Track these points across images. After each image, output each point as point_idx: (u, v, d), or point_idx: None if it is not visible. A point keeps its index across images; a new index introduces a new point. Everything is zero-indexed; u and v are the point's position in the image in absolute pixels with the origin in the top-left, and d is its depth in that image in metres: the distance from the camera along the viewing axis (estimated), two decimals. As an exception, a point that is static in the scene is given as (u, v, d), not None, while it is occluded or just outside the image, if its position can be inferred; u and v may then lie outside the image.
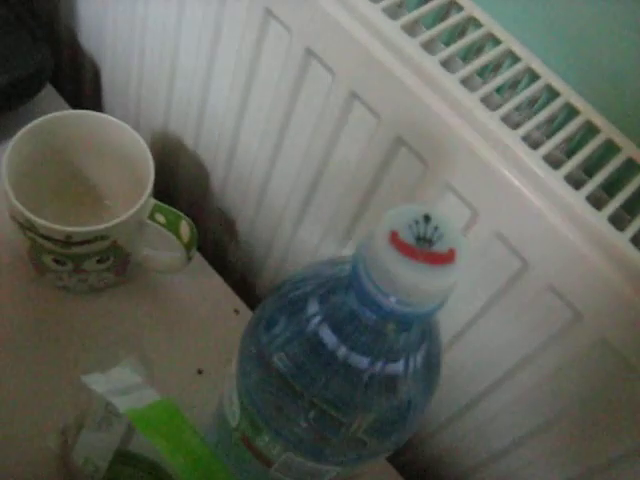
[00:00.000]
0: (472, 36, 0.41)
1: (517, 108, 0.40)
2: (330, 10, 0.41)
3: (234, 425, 0.37)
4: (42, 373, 0.51)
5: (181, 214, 0.51)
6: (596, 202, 0.37)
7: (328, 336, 0.31)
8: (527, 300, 0.40)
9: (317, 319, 0.31)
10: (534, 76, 0.41)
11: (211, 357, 0.55)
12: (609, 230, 0.36)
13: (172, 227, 0.51)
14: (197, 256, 0.58)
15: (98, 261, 0.51)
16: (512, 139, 0.38)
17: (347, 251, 0.51)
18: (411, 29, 0.41)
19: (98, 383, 0.40)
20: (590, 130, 0.40)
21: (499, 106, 0.39)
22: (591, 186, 0.37)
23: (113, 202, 0.57)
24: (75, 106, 0.63)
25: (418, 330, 0.30)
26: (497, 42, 0.42)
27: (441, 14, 0.43)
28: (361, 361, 0.30)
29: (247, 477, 0.39)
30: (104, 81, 0.64)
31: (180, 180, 0.62)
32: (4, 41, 0.58)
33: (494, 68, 0.42)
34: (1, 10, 0.60)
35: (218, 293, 0.58)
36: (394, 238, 0.26)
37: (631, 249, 0.36)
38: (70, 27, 0.64)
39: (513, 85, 0.42)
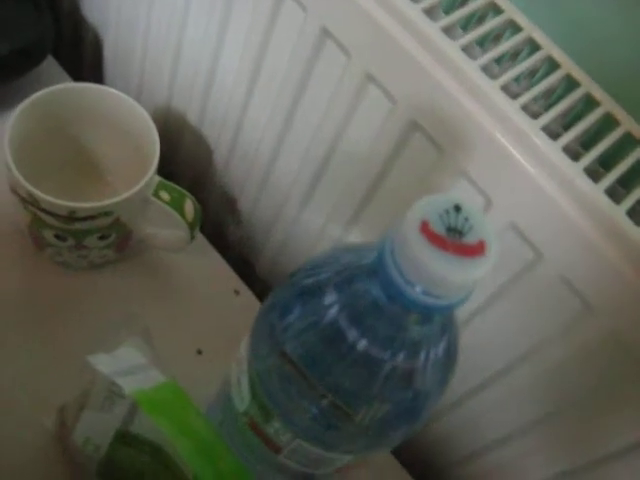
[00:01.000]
0: (492, 23, 0.41)
1: (535, 98, 0.39)
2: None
3: (242, 409, 0.36)
4: (39, 350, 0.50)
5: (186, 192, 0.51)
6: (613, 193, 0.37)
7: (346, 325, 0.30)
8: (538, 291, 0.40)
9: (336, 307, 0.30)
10: (554, 65, 0.40)
11: (211, 338, 0.54)
12: (626, 223, 0.36)
13: (176, 205, 0.50)
14: (198, 235, 0.57)
15: (100, 238, 0.50)
16: (531, 127, 0.37)
17: (353, 237, 0.50)
18: (431, 12, 0.40)
19: (103, 363, 0.39)
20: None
21: (519, 95, 0.38)
22: (609, 179, 0.37)
23: (115, 178, 0.56)
24: (75, 78, 0.62)
25: (439, 322, 0.30)
26: (517, 29, 0.41)
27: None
28: (379, 352, 0.30)
29: (252, 460, 0.38)
30: (106, 53, 0.63)
31: (182, 156, 0.61)
32: (5, 10, 0.57)
33: (512, 56, 0.41)
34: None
35: (218, 273, 0.58)
36: (425, 228, 0.26)
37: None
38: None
39: (532, 73, 0.41)
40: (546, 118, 0.38)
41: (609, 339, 0.39)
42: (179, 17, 0.52)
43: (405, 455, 0.56)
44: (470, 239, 0.26)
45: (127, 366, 0.40)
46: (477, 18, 0.42)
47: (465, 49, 0.39)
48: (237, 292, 0.57)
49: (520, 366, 0.44)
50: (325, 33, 0.43)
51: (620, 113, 0.39)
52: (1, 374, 0.49)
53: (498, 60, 0.40)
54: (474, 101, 0.38)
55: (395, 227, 0.27)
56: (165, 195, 0.50)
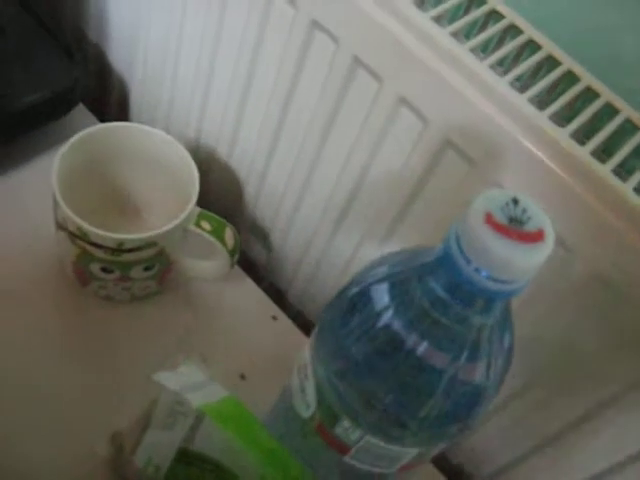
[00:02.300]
0: (513, 43, 0.44)
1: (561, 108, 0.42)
2: (379, 18, 0.43)
3: (308, 415, 0.38)
4: (91, 381, 0.52)
5: (225, 221, 0.53)
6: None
7: (410, 321, 0.32)
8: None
9: (399, 305, 0.33)
10: (574, 77, 0.43)
11: (253, 362, 0.56)
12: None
13: (217, 234, 0.52)
14: (232, 265, 0.59)
15: (145, 269, 0.52)
16: (558, 134, 0.40)
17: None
18: (457, 36, 0.43)
19: (168, 380, 0.41)
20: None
21: (546, 105, 0.41)
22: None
23: (150, 215, 0.58)
24: (101, 121, 0.65)
25: (499, 313, 0.32)
26: (537, 47, 0.44)
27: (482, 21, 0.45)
28: (444, 346, 0.32)
29: (316, 466, 0.40)
30: (132, 98, 0.66)
31: (212, 189, 0.63)
32: (40, 57, 0.60)
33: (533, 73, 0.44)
34: (35, 26, 0.61)
35: (255, 300, 0.60)
36: (489, 219, 0.28)
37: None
38: (98, 43, 0.66)
39: (553, 86, 0.44)
40: (573, 126, 0.40)
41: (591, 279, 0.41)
42: (206, 62, 0.55)
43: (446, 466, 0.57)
44: (530, 228, 0.29)
45: (190, 382, 0.42)
46: (497, 39, 0.45)
47: (492, 67, 0.42)
48: (274, 318, 0.59)
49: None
50: (356, 62, 0.46)
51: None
52: (55, 406, 0.50)
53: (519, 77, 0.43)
54: (504, 114, 0.41)
55: (459, 222, 0.29)
56: (206, 225, 0.52)
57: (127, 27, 0.62)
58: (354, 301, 0.35)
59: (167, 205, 0.55)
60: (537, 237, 0.29)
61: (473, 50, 0.42)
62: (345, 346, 0.35)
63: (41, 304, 0.55)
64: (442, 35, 0.42)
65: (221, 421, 0.40)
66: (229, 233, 0.53)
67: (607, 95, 0.43)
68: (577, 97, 0.43)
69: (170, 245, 0.52)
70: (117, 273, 0.52)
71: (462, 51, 0.42)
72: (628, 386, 0.44)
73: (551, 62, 0.44)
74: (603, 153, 0.41)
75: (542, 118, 0.40)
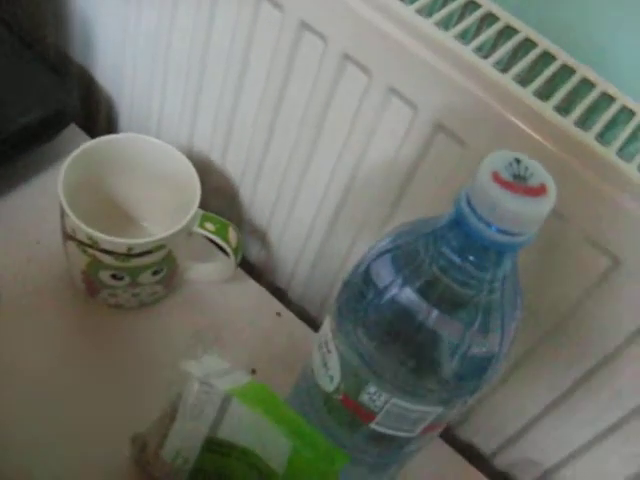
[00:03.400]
0: (492, 29, 0.47)
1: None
2: (364, 13, 0.46)
3: (332, 389, 0.40)
4: (107, 388, 0.53)
5: (227, 221, 0.55)
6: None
7: (431, 280, 0.35)
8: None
9: (414, 273, 0.35)
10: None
11: (262, 357, 0.58)
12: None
13: (221, 234, 0.54)
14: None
15: (153, 273, 0.54)
16: (542, 108, 0.43)
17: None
18: (444, 24, 0.46)
19: (195, 368, 0.43)
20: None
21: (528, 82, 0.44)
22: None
23: (150, 223, 0.60)
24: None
25: (508, 266, 0.34)
26: (513, 32, 0.47)
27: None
28: (462, 298, 0.34)
29: (341, 438, 0.42)
30: (121, 113, 0.68)
31: (207, 192, 0.65)
32: (30, 78, 0.62)
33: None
34: (20, 47, 0.63)
35: (258, 299, 0.62)
36: (496, 177, 0.31)
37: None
38: (82, 62, 0.68)
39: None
40: (554, 100, 0.43)
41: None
42: (197, 72, 0.58)
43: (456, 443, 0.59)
44: (533, 183, 0.31)
45: (215, 370, 0.44)
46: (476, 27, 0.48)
47: (474, 51, 0.44)
48: (279, 314, 0.61)
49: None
50: (346, 57, 0.48)
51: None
52: (79, 413, 0.52)
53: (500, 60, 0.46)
54: (490, 95, 0.44)
55: (468, 185, 0.32)
56: (210, 226, 0.54)
57: (114, 46, 0.64)
58: (368, 274, 0.37)
59: (167, 212, 0.57)
60: (540, 191, 0.31)
61: (456, 37, 0.45)
62: (366, 316, 0.37)
63: (51, 316, 0.56)
64: (426, 25, 0.45)
65: (249, 402, 0.41)
66: (232, 233, 0.55)
67: (583, 70, 0.46)
68: (555, 74, 0.46)
69: (176, 248, 0.53)
70: (127, 279, 0.53)
71: (446, 38, 0.44)
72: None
73: (528, 44, 0.47)
74: (584, 124, 0.44)
75: (526, 94, 0.43)
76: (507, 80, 0.44)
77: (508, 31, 0.47)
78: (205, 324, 0.58)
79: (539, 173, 0.32)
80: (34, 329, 0.55)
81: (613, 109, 0.45)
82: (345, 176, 0.54)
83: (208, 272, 0.58)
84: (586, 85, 0.46)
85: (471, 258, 0.33)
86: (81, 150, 0.54)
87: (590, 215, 0.43)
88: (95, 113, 0.70)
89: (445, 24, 0.47)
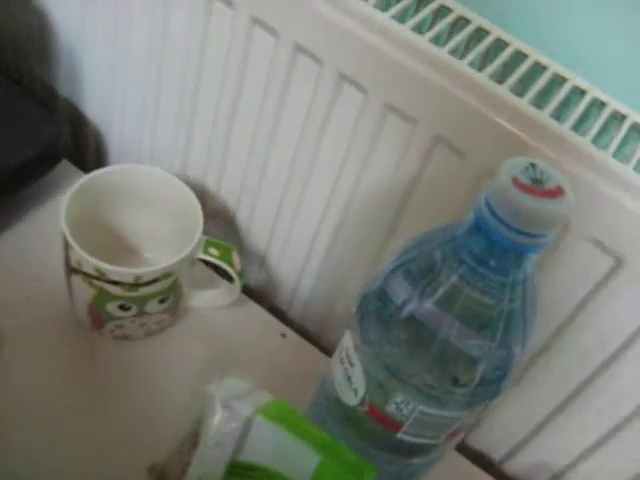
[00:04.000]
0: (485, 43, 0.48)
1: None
2: (355, 30, 0.47)
3: (356, 402, 0.41)
4: (120, 421, 0.53)
5: (230, 245, 0.55)
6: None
7: (456, 285, 0.35)
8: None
9: (441, 277, 0.36)
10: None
11: (271, 378, 0.57)
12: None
13: (225, 258, 0.55)
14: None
15: (160, 301, 0.54)
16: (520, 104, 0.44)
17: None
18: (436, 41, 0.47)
19: (216, 391, 0.43)
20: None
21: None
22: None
23: (151, 254, 0.60)
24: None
25: (528, 268, 0.35)
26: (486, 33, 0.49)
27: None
28: (488, 301, 0.35)
29: (366, 451, 0.42)
30: (112, 146, 0.68)
31: (204, 222, 0.65)
32: (20, 115, 0.62)
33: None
34: (8, 83, 0.63)
35: (262, 321, 0.62)
36: (516, 182, 0.32)
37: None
38: (69, 97, 0.68)
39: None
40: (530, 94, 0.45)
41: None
42: (189, 101, 0.58)
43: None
44: (550, 186, 0.33)
45: (236, 392, 0.44)
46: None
47: (471, 65, 0.46)
48: (284, 335, 0.61)
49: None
50: (342, 77, 0.49)
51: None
52: (92, 446, 0.51)
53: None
54: (487, 105, 0.45)
55: (486, 191, 0.33)
56: (214, 251, 0.54)
57: (102, 78, 0.64)
58: (385, 290, 0.38)
59: (169, 241, 0.57)
60: (558, 193, 0.32)
61: (452, 52, 0.46)
62: (388, 329, 0.38)
63: (56, 353, 0.56)
64: (423, 42, 0.46)
65: (274, 420, 0.42)
66: (236, 257, 0.55)
67: (535, 55, 0.48)
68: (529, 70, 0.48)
69: (182, 275, 0.54)
70: (134, 309, 0.53)
71: (442, 54, 0.46)
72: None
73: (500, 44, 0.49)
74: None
75: (503, 91, 0.45)
76: (504, 90, 0.45)
77: (499, 43, 0.49)
78: (213, 349, 0.58)
79: (554, 176, 0.33)
80: (40, 367, 0.55)
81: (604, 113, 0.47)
82: (344, 195, 0.55)
83: (213, 298, 0.59)
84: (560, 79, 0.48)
85: (492, 263, 0.34)
86: (81, 183, 0.54)
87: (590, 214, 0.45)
88: (84, 147, 0.70)
89: (437, 40, 0.48)
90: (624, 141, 0.45)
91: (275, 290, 0.66)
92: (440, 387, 0.37)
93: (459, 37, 0.48)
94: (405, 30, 0.46)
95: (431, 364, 0.37)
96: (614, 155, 0.44)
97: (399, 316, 0.37)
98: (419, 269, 0.38)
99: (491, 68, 0.46)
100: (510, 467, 0.61)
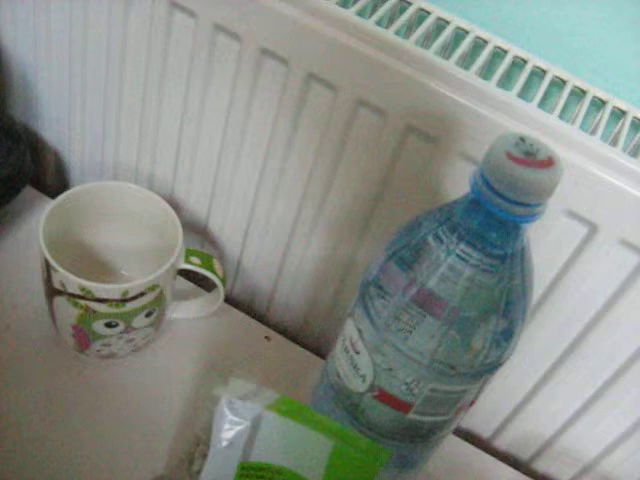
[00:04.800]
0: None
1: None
2: (329, 33, 0.48)
3: (365, 388, 0.42)
4: (116, 440, 0.53)
5: (210, 254, 0.56)
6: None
7: (459, 255, 0.37)
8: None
9: (439, 259, 0.37)
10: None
11: (261, 381, 0.58)
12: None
13: (208, 266, 0.55)
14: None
15: (146, 315, 0.53)
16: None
17: (362, 254, 0.57)
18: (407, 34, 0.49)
19: (224, 393, 0.43)
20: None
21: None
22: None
23: (130, 272, 0.60)
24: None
25: (524, 237, 0.37)
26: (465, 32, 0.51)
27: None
28: (490, 269, 0.37)
29: (376, 436, 0.43)
30: (72, 167, 0.67)
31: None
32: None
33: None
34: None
35: (244, 326, 0.62)
36: (510, 155, 0.34)
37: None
38: (25, 121, 0.67)
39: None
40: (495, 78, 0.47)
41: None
42: (154, 114, 0.58)
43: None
44: (542, 157, 0.34)
45: (243, 393, 0.44)
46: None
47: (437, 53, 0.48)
48: (268, 338, 0.62)
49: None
50: (311, 77, 0.50)
51: None
52: (91, 467, 0.51)
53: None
54: (454, 91, 0.47)
55: (482, 167, 0.35)
56: (196, 259, 0.54)
57: (60, 103, 0.63)
58: (381, 279, 0.39)
59: (146, 256, 0.57)
60: (550, 163, 0.34)
61: (418, 43, 0.48)
62: (391, 314, 0.39)
63: (41, 379, 0.55)
64: (389, 36, 0.48)
65: (284, 414, 0.42)
66: (217, 264, 0.56)
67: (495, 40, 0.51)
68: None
69: (166, 287, 0.54)
70: (121, 326, 0.53)
71: (408, 45, 0.47)
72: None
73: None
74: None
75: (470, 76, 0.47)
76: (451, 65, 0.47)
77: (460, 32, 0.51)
78: (200, 358, 0.58)
79: (544, 147, 0.35)
80: (26, 395, 0.54)
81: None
82: (318, 194, 0.56)
83: (197, 307, 0.59)
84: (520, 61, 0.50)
85: (491, 237, 0.36)
86: (54, 204, 0.53)
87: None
88: (43, 170, 0.69)
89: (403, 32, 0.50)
90: (566, 107, 0.48)
91: (253, 294, 0.66)
92: (448, 363, 0.38)
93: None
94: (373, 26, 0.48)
95: (438, 342, 0.38)
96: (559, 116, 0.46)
97: (402, 301, 0.38)
98: (415, 254, 0.39)
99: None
100: (500, 443, 0.63)
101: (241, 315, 0.63)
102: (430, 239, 0.38)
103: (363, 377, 0.42)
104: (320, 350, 0.64)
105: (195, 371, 0.57)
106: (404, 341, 0.39)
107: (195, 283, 0.65)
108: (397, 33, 0.48)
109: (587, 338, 0.53)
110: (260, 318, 0.66)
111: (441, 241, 0.38)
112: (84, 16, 0.56)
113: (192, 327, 0.60)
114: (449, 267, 0.37)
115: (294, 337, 0.65)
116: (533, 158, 0.34)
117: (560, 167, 0.34)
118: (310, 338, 0.65)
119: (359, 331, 0.41)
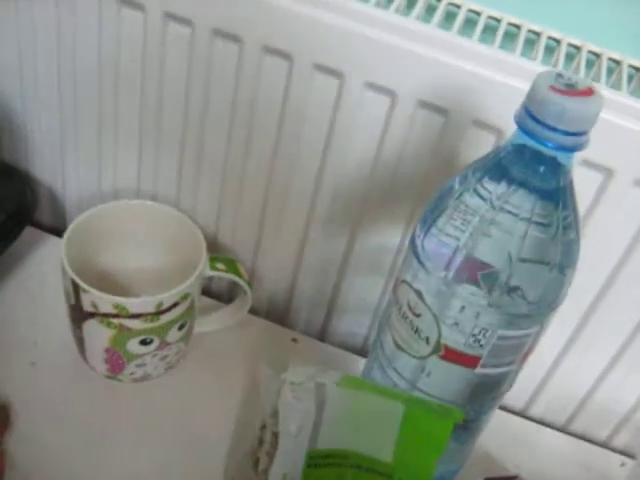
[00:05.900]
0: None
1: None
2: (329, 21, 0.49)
3: (429, 351, 0.42)
4: (165, 464, 0.52)
5: (233, 258, 0.55)
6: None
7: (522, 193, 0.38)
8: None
9: (488, 214, 0.38)
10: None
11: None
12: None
13: (234, 270, 0.55)
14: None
15: (179, 328, 0.53)
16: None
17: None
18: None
19: (286, 379, 0.43)
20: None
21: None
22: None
23: (147, 293, 0.59)
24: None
25: (570, 176, 0.38)
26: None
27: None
28: (544, 209, 0.38)
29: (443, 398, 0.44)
30: (67, 201, 0.66)
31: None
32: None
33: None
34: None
35: (269, 331, 0.62)
36: (554, 88, 0.35)
37: None
38: (13, 160, 0.66)
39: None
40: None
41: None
42: (153, 129, 0.58)
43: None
44: (582, 87, 0.36)
45: (305, 377, 0.44)
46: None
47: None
48: (295, 340, 0.62)
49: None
50: (316, 67, 0.51)
51: None
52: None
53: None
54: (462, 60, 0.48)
55: (526, 104, 0.36)
56: (221, 266, 0.54)
57: (52, 140, 0.63)
58: (432, 244, 0.40)
59: (164, 274, 0.56)
60: (590, 92, 0.36)
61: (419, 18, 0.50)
62: (450, 272, 0.39)
63: (76, 413, 0.53)
64: (388, 15, 0.49)
65: (352, 388, 0.42)
66: (241, 267, 0.55)
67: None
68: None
69: (196, 297, 0.53)
70: (156, 342, 0.52)
71: (409, 22, 0.49)
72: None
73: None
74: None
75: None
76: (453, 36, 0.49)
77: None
78: (234, 368, 0.58)
79: (581, 80, 0.36)
80: (63, 432, 0.52)
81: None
82: (330, 183, 0.56)
83: (225, 317, 0.58)
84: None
85: (541, 173, 0.37)
86: (72, 229, 0.53)
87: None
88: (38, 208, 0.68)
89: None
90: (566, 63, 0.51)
91: (271, 301, 0.66)
92: (514, 306, 0.39)
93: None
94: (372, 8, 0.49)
95: (501, 290, 0.39)
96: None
97: (458, 261, 0.39)
98: (461, 214, 0.40)
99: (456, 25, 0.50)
100: (535, 411, 0.64)
101: (263, 322, 0.63)
102: (473, 198, 0.39)
103: (427, 339, 0.42)
104: (346, 344, 0.64)
105: (230, 382, 0.56)
106: (468, 295, 0.39)
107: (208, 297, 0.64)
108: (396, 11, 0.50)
109: (612, 288, 0.54)
110: (281, 322, 0.66)
111: (486, 197, 0.38)
112: (72, 44, 0.56)
113: (218, 340, 0.59)
114: (498, 223, 0.38)
115: (320, 335, 0.65)
116: (574, 89, 0.35)
117: (600, 95, 0.36)
118: (333, 335, 0.65)
119: (417, 293, 0.41)
